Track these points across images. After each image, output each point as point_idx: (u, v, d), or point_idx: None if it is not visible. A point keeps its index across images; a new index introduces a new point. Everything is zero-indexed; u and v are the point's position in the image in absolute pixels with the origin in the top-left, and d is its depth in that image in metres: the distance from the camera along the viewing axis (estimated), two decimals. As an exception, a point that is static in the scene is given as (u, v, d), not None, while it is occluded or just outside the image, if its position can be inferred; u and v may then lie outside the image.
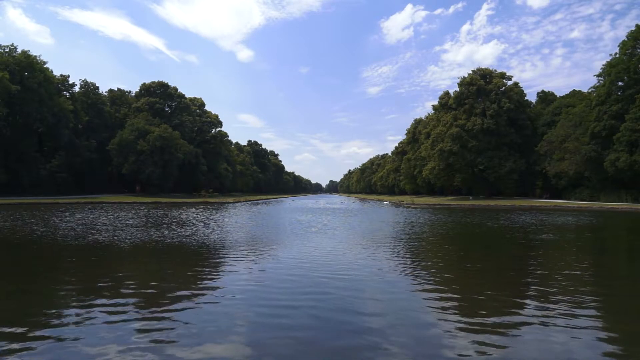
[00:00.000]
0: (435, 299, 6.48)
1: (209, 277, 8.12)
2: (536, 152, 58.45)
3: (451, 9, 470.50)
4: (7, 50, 55.60)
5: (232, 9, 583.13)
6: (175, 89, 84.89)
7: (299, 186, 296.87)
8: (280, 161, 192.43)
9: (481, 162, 62.47)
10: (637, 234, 18.66)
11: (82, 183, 67.13)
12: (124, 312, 5.66)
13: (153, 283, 7.70)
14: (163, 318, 5.43)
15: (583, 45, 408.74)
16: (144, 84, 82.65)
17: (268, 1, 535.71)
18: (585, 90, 58.88)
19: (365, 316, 5.61)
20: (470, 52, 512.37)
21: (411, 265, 9.49)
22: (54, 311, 5.79)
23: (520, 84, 67.56)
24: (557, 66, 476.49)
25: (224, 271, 8.66)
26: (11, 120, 54.20)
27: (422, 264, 9.75)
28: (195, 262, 9.87)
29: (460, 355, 4.28)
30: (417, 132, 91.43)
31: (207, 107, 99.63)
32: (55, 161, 60.73)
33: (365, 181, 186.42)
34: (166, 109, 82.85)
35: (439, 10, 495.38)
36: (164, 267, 9.35)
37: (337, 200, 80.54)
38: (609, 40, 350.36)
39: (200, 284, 7.52)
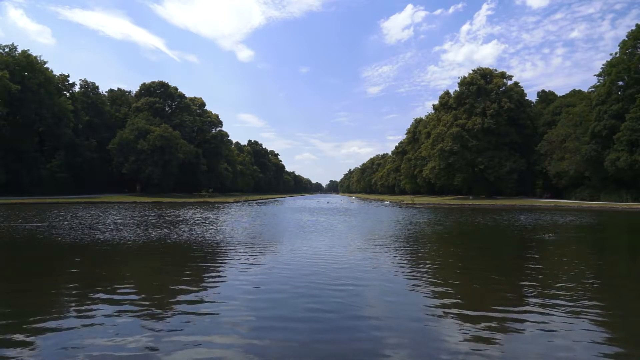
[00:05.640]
0: (435, 300, 6.47)
1: (209, 278, 8.10)
2: (536, 151, 58.43)
3: (451, 9, 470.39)
4: (7, 50, 55.61)
5: (233, 9, 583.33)
6: (176, 88, 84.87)
7: (299, 186, 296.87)
8: (281, 161, 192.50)
9: (481, 161, 62.44)
10: (638, 234, 18.63)
11: (82, 183, 67.13)
12: (124, 313, 5.65)
13: (153, 283, 7.70)
14: (162, 319, 5.43)
15: (583, 44, 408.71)
16: (144, 83, 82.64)
17: (268, 1, 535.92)
18: (585, 89, 58.90)
19: (364, 316, 5.60)
20: (470, 52, 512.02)
21: (411, 265, 9.48)
22: (54, 310, 5.79)
23: (521, 84, 67.67)
24: (558, 66, 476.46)
25: (224, 272, 8.64)
26: (11, 120, 54.18)
27: (422, 263, 9.73)
28: (196, 263, 9.85)
29: (460, 355, 4.27)
30: (417, 132, 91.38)
31: (207, 107, 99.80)
32: (56, 161, 60.71)
33: (365, 181, 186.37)
34: (166, 109, 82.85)
35: (438, 11, 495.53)
36: (164, 267, 9.34)
37: (338, 200, 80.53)
38: (609, 40, 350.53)
39: (200, 285, 7.51)
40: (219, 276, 8.10)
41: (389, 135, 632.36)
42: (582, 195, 50.76)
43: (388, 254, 11.12)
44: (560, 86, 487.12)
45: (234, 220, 23.15)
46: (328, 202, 61.34)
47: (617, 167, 42.69)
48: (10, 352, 4.29)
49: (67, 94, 68.67)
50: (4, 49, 55.48)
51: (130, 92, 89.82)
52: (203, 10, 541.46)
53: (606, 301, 6.52)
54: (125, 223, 19.60)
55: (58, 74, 66.70)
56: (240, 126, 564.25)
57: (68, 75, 70.03)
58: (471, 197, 64.85)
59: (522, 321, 5.38)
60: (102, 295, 6.51)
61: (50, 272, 8.78)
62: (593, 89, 50.96)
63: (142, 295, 6.61)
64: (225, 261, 9.85)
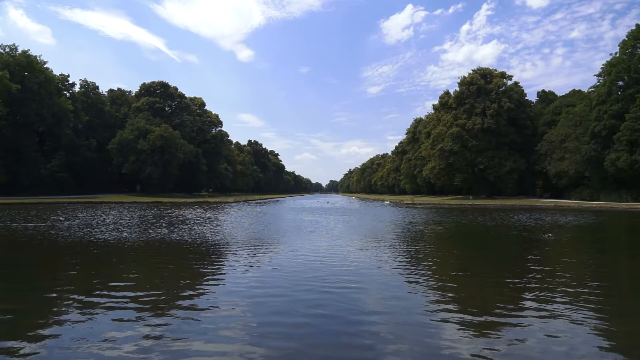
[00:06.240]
0: (435, 301, 6.47)
1: (209, 279, 8.09)
2: (536, 151, 58.42)
3: (451, 9, 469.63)
4: (7, 50, 55.62)
5: (233, 9, 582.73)
6: (176, 88, 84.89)
7: (299, 186, 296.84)
8: (281, 161, 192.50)
9: (481, 161, 62.43)
10: (638, 234, 18.64)
11: (82, 183, 67.13)
12: (123, 313, 5.66)
13: (153, 284, 7.70)
14: (162, 320, 5.43)
15: (583, 44, 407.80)
16: (144, 83, 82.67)
17: (268, 1, 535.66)
18: (585, 89, 58.92)
19: (365, 316, 5.61)
20: (470, 52, 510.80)
21: (411, 266, 9.48)
22: (54, 310, 5.80)
23: (521, 84, 67.64)
24: (558, 66, 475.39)
25: (223, 273, 8.64)
26: (11, 120, 54.19)
27: (421, 263, 9.74)
28: (196, 263, 9.86)
29: (460, 355, 4.27)
30: (417, 132, 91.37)
31: (207, 107, 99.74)
32: (56, 161, 60.71)
33: (365, 181, 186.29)
34: (166, 109, 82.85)
35: (438, 11, 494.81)
36: (164, 268, 9.34)
37: (338, 200, 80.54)
38: (609, 40, 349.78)
39: (200, 286, 7.51)
40: (219, 277, 8.10)
41: (389, 135, 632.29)
42: (582, 195, 50.75)
43: (388, 254, 11.13)
44: (560, 86, 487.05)
45: (234, 220, 23.16)
46: (328, 202, 61.34)
47: (617, 167, 42.68)
48: (9, 352, 4.30)
49: (67, 94, 68.66)
50: (4, 49, 55.51)
51: (130, 92, 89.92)
52: (203, 10, 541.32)
53: (606, 301, 6.52)
54: (125, 223, 19.60)
55: (58, 74, 66.70)
56: (240, 126, 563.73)
57: (68, 75, 70.06)
58: (471, 197, 64.82)
59: (522, 321, 5.37)
60: (102, 297, 6.51)
61: (50, 272, 8.79)
62: (593, 89, 50.94)
63: (142, 296, 6.61)
64: (225, 262, 9.86)
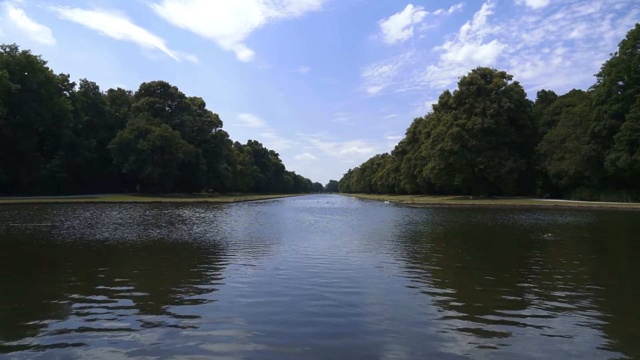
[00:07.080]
0: (435, 301, 6.47)
1: (209, 279, 8.09)
2: (536, 151, 58.43)
3: (451, 9, 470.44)
4: (7, 50, 55.59)
5: (233, 9, 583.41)
6: (176, 88, 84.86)
7: (299, 186, 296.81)
8: (281, 161, 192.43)
9: (481, 161, 62.44)
10: (638, 234, 18.63)
11: (82, 182, 67.14)
12: (122, 313, 5.66)
13: (153, 284, 7.70)
14: (161, 320, 5.43)
15: (583, 44, 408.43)
16: (144, 83, 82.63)
17: (268, 1, 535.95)
18: (585, 89, 58.98)
19: (365, 316, 5.61)
20: (469, 52, 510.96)
21: (411, 266, 9.48)
22: (54, 311, 5.79)
23: (521, 84, 67.66)
24: (558, 66, 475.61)
25: (223, 273, 8.63)
26: (11, 120, 54.17)
27: (421, 263, 9.74)
28: (196, 263, 9.86)
29: (460, 356, 4.27)
30: (417, 132, 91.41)
31: (207, 107, 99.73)
32: (55, 161, 60.71)
33: (365, 181, 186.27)
34: (166, 109, 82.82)
35: (438, 11, 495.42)
36: (163, 268, 9.34)
37: (338, 200, 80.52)
38: (609, 40, 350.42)
39: (200, 286, 7.50)
40: (219, 277, 8.10)
41: (389, 135, 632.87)
42: (582, 195, 50.75)
43: (388, 254, 11.12)
44: (560, 86, 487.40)
45: (234, 220, 23.15)
46: (328, 202, 61.30)
47: (617, 167, 42.68)
48: (9, 353, 4.30)
49: (67, 94, 68.68)
50: (4, 49, 55.48)
51: (130, 92, 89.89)
52: (203, 10, 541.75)
53: (606, 301, 6.52)
54: (125, 223, 19.60)
55: (58, 74, 66.70)
56: (240, 126, 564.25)
57: (68, 75, 70.07)
58: (471, 197, 64.77)
59: (521, 322, 5.37)
60: (101, 297, 6.51)
61: (50, 272, 8.79)
62: (593, 89, 50.95)
63: (141, 296, 6.62)
64: (225, 262, 9.85)
